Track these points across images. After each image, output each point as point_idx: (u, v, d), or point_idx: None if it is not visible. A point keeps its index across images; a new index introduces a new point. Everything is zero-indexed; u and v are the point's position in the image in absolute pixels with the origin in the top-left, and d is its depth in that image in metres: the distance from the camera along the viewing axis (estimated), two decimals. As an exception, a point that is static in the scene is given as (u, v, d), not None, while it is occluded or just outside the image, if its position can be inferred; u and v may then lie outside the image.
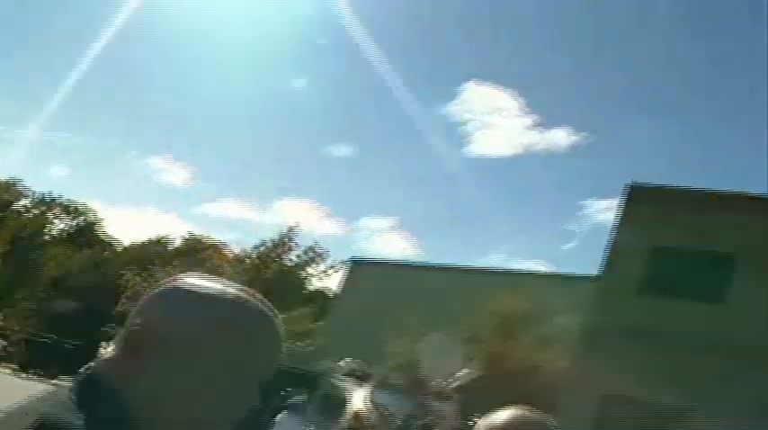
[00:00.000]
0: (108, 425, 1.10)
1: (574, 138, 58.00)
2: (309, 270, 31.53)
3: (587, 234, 61.44)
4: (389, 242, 67.42)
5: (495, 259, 61.99)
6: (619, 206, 19.83)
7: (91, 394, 1.13)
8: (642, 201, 19.41)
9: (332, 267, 31.93)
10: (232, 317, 1.17)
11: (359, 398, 12.38)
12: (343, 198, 73.31)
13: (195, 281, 1.22)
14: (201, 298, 1.18)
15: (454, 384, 20.16)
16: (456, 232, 65.87)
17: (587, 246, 60.26)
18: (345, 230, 76.59)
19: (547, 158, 60.45)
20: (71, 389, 1.16)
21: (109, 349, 1.20)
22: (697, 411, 16.22)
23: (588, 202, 60.27)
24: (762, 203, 18.18)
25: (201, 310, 1.16)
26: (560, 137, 59.71)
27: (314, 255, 31.34)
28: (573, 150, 59.32)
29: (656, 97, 53.05)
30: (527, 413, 2.04)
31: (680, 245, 18.32)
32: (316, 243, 32.55)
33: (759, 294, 16.82)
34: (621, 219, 19.54)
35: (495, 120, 61.09)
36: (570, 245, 60.83)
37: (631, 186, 19.85)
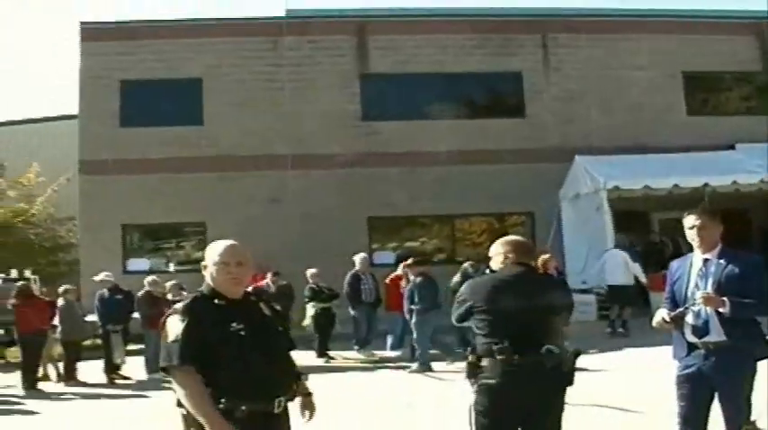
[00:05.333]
0: None
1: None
2: None
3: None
4: None
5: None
6: (80, 44, 19.86)
7: None
8: (101, 38, 19.82)
9: None
10: None
11: None
12: None
13: None
14: None
15: None
16: None
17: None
18: None
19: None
20: None
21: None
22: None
23: None
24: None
25: None
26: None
27: None
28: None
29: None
30: None
31: (147, 75, 19.46)
32: None
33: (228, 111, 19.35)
34: (85, 56, 19.70)
35: None
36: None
37: (82, 23, 20.00)
